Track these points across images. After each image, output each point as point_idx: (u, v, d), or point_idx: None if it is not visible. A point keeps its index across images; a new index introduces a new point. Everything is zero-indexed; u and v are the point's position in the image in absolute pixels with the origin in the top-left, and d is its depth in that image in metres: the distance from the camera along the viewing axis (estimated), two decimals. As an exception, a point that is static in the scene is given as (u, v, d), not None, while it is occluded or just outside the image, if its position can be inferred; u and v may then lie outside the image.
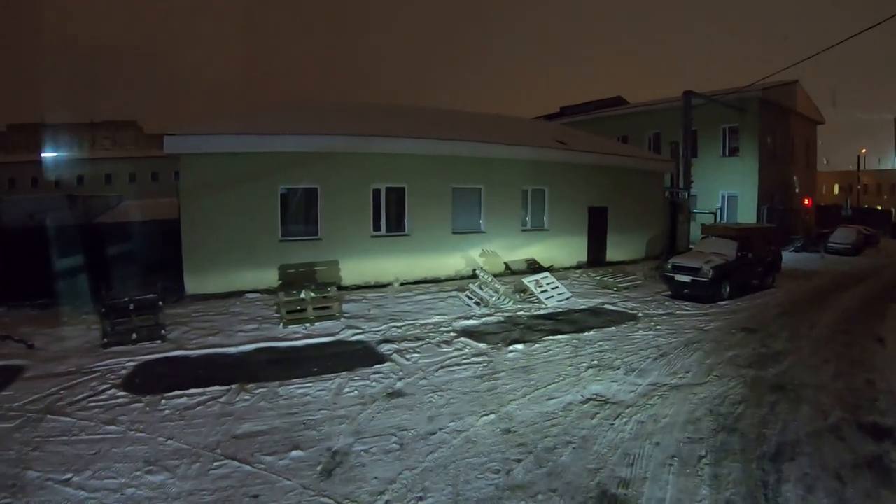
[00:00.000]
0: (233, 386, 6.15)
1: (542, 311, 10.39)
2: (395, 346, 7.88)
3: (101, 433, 5.01)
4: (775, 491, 4.16)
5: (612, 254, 17.01)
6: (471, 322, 9.42)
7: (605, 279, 13.55)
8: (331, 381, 6.41)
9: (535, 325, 9.32)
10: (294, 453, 4.66)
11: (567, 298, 11.29)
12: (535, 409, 5.70)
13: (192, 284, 10.85)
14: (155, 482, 4.19)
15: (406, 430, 5.16)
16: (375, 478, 4.30)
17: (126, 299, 8.02)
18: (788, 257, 17.27)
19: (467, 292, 11.10)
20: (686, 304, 11.31)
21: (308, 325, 8.87)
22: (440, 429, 5.18)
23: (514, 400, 5.93)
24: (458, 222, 13.96)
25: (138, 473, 4.30)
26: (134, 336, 7.79)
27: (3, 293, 9.87)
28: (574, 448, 4.83)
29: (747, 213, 22.10)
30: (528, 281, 11.50)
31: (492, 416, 5.48)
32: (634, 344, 8.23)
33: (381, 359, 7.33)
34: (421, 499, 4.02)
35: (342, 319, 9.23)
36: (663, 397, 6.07)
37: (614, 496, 4.08)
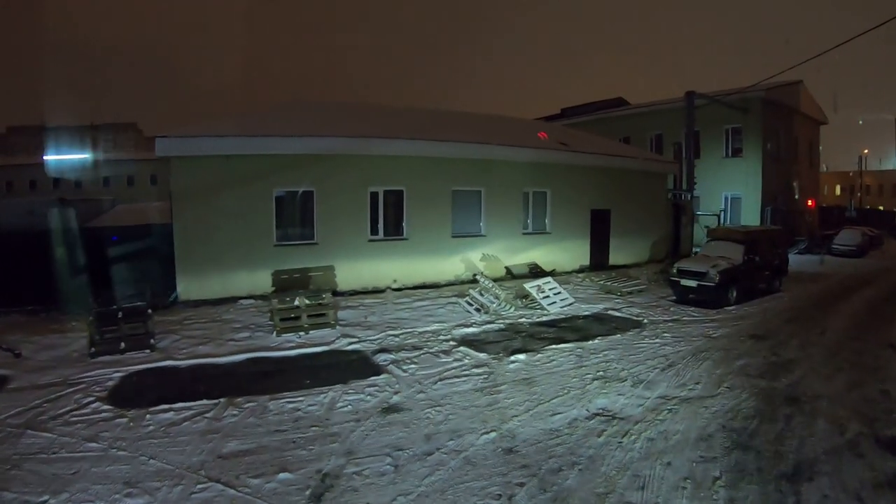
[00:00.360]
0: (221, 400, 5.92)
1: (544, 318, 10.13)
2: (392, 356, 7.62)
3: (81, 451, 4.82)
4: (795, 516, 3.91)
5: (615, 257, 16.71)
6: (471, 330, 9.16)
7: (609, 284, 13.31)
8: (323, 395, 6.14)
9: (537, 333, 9.05)
10: (282, 475, 4.41)
11: (570, 304, 11.03)
12: (538, 425, 5.43)
13: (185, 290, 10.60)
14: (133, 507, 3.94)
15: (401, 449, 4.89)
16: (367, 504, 4.03)
17: (114, 307, 7.81)
18: (793, 259, 17.00)
19: (467, 298, 10.85)
20: (692, 309, 11.06)
21: (302, 333, 8.61)
22: (438, 448, 4.91)
23: (517, 416, 5.66)
24: (458, 225, 13.68)
25: (117, 496, 4.09)
26: (122, 345, 7.57)
27: None
28: (580, 469, 4.56)
29: (751, 215, 21.83)
30: (530, 286, 11.23)
31: (493, 434, 5.21)
32: (641, 353, 7.97)
33: (377, 370, 7.06)
34: (416, 529, 3.76)
35: (338, 327, 8.97)
36: (673, 411, 5.81)
37: (625, 525, 3.82)
